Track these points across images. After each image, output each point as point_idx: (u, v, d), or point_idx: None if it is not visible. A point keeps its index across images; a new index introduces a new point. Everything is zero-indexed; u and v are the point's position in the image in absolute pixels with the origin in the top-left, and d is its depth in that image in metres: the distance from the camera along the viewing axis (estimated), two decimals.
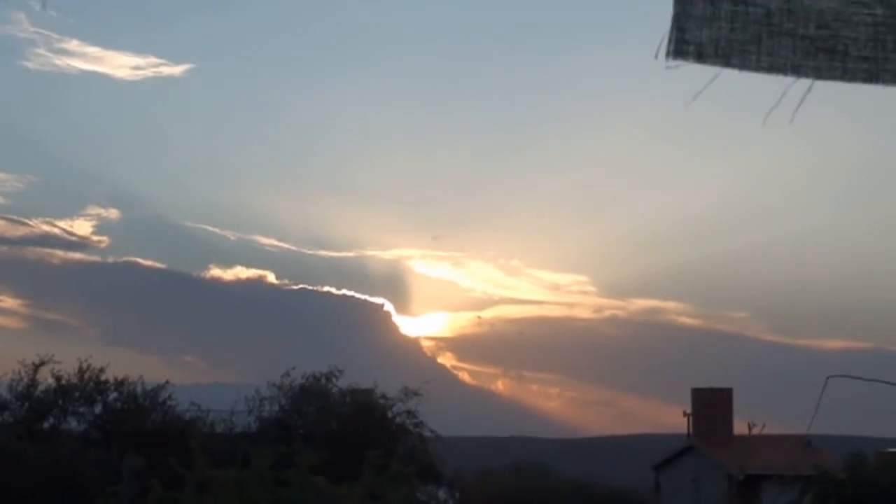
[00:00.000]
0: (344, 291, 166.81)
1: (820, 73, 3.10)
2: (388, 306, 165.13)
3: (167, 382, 41.93)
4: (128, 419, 40.74)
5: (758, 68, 3.15)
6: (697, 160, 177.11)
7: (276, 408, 41.60)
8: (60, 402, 40.95)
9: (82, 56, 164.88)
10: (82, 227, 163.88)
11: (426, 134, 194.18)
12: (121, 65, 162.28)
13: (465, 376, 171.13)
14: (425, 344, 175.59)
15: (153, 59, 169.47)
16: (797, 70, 3.11)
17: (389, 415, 41.63)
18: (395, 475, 16.66)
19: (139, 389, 41.62)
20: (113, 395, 41.40)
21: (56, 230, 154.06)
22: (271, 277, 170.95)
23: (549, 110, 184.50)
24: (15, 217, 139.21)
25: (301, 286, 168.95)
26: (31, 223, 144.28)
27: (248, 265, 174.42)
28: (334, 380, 42.00)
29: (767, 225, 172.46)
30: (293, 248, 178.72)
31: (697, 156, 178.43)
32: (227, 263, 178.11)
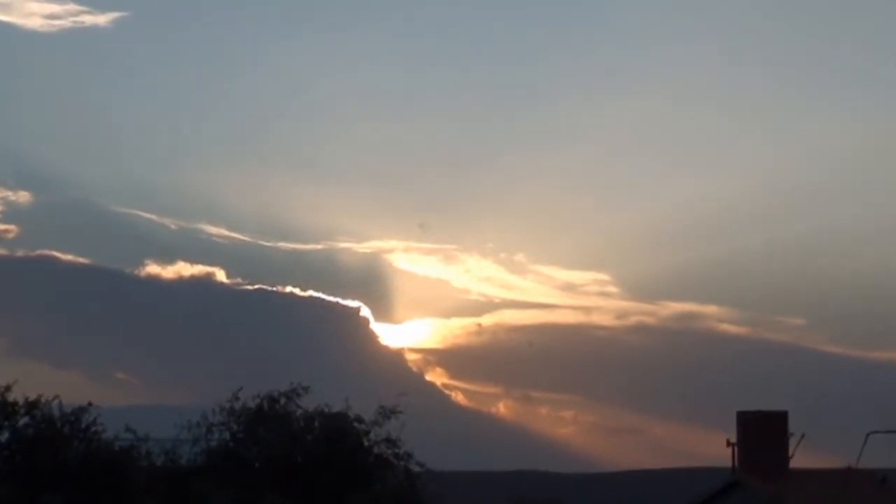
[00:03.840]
0: (311, 293, 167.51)
1: None
2: (365, 311, 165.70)
3: (90, 404, 41.86)
4: (43, 449, 40.49)
5: None
6: (741, 131, 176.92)
7: (227, 435, 41.59)
8: None
9: None
10: None
11: (410, 100, 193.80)
12: (32, 13, 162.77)
13: (459, 397, 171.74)
14: (410, 357, 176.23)
15: (72, 7, 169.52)
16: None
17: (366, 443, 41.60)
18: None
19: (56, 412, 41.35)
20: (23, 420, 41.17)
21: None
22: (221, 275, 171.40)
23: (560, 71, 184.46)
24: None
25: (258, 286, 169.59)
26: None
27: (193, 260, 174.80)
28: (298, 400, 41.95)
29: (829, 209, 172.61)
30: (248, 239, 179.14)
31: (741, 126, 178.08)
32: (168, 258, 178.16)
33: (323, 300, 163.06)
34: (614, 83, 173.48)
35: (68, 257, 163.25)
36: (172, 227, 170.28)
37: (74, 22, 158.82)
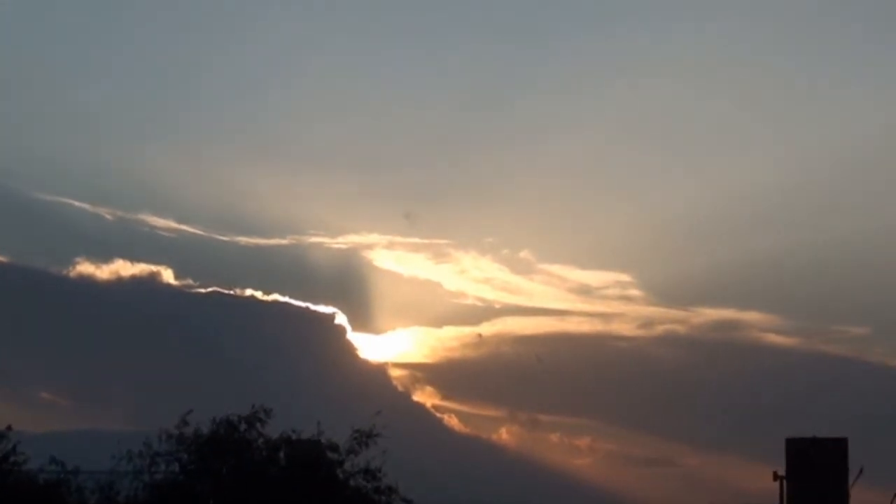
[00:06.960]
0: (276, 296, 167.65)
1: None
2: (341, 318, 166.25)
3: (9, 429, 41.92)
4: None
5: None
6: (793, 111, 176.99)
7: (176, 467, 41.73)
8: None
9: None
10: None
11: (395, 72, 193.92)
12: None
13: (453, 421, 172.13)
14: (395, 373, 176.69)
15: None
16: None
17: (341, 475, 41.77)
18: None
19: None
20: None
21: None
22: (168, 275, 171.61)
23: (569, 41, 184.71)
24: None
25: (213, 288, 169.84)
26: None
27: (135, 257, 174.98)
28: (260, 425, 42.07)
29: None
30: (200, 232, 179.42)
31: (793, 105, 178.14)
32: (103, 255, 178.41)
33: (290, 305, 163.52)
34: (635, 57, 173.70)
35: None
36: (109, 217, 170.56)
37: None
